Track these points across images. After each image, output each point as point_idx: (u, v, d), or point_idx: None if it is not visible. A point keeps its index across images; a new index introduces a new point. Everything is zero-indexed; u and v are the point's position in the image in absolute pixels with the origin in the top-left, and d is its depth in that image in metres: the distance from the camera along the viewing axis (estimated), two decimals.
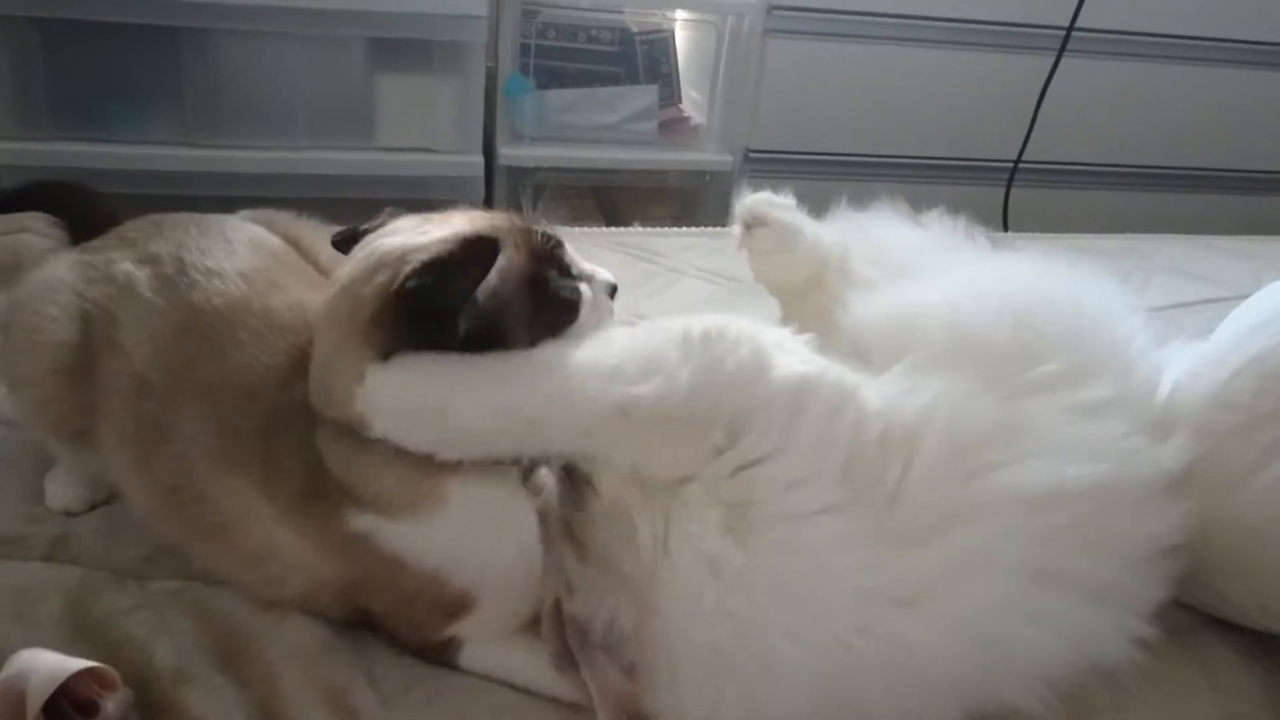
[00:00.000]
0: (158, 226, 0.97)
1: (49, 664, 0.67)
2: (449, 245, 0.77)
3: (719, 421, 0.75)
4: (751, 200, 1.14)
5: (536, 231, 0.82)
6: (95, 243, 0.97)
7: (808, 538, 0.74)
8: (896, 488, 0.78)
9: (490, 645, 0.84)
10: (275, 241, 0.99)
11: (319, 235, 1.03)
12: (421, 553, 0.78)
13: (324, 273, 0.98)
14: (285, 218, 1.06)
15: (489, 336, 0.75)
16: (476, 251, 0.76)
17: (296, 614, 0.87)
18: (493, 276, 0.74)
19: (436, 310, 0.74)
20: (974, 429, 0.81)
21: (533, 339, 0.78)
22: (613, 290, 0.87)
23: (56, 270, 0.95)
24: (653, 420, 0.75)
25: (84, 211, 1.09)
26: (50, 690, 0.66)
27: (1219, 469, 0.92)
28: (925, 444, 0.80)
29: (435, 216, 0.83)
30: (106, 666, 0.72)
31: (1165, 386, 1.01)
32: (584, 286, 0.84)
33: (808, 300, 1.11)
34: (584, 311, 0.82)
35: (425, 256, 0.76)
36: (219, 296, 0.88)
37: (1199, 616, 0.97)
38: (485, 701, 0.82)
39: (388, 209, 0.88)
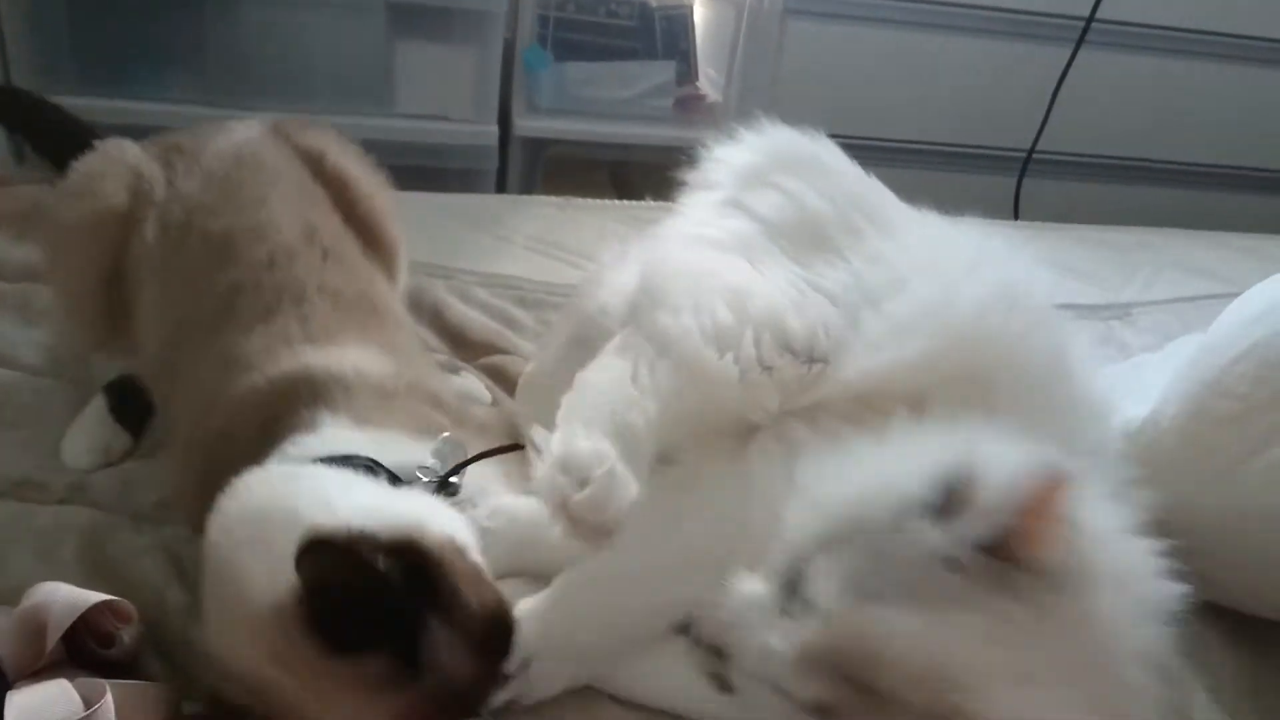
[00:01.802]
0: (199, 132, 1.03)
1: (68, 596, 0.69)
2: None
3: None
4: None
5: None
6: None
7: None
8: None
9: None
10: (271, 155, 1.01)
11: (347, 155, 1.05)
12: None
13: (343, 188, 1.00)
14: (315, 134, 1.07)
15: None
16: None
17: None
18: None
19: None
20: None
21: None
22: None
23: (120, 146, 1.00)
24: None
25: (46, 125, 1.13)
26: (70, 621, 0.68)
27: (1214, 454, 0.94)
28: None
29: None
30: (123, 600, 0.74)
31: (1166, 376, 1.03)
32: None
33: None
34: None
35: None
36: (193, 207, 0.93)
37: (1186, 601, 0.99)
38: None
39: None
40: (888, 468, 0.68)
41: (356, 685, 0.62)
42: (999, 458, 0.63)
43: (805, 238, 0.90)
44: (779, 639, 0.62)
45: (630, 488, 0.69)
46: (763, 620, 0.65)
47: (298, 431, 0.77)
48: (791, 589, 0.64)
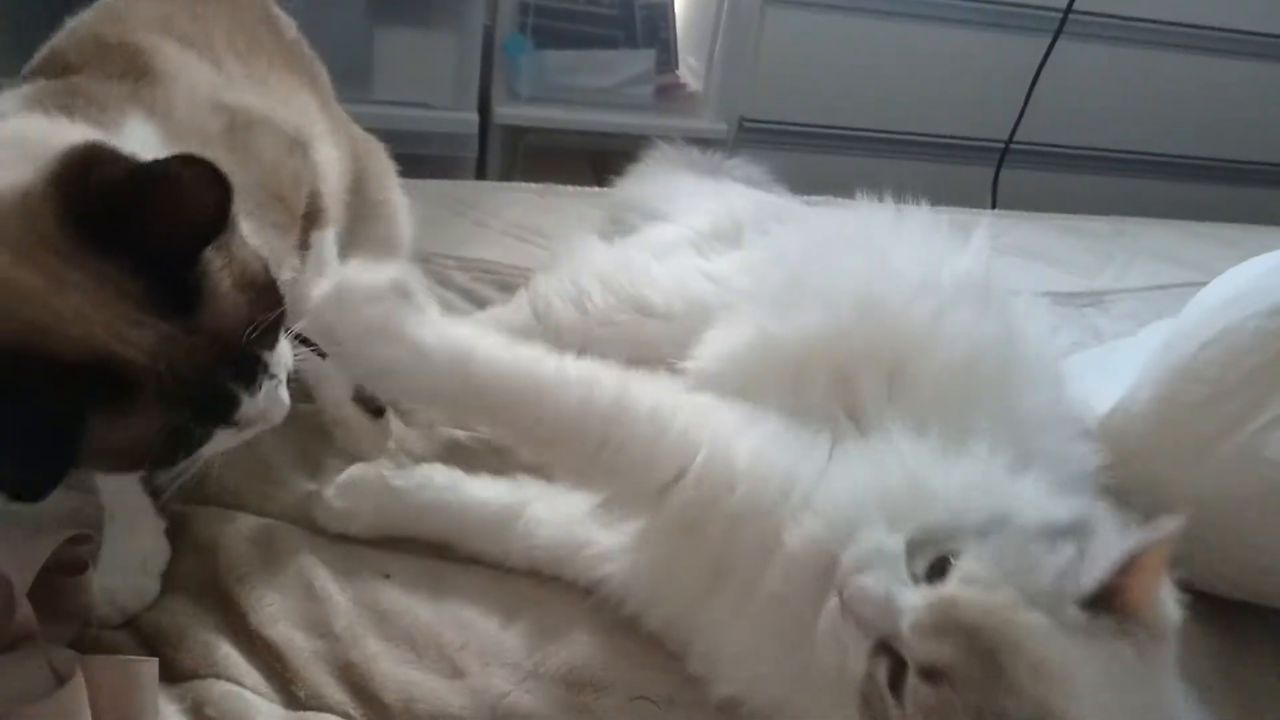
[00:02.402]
0: None
1: (24, 556, 0.68)
2: None
3: None
4: None
5: None
6: None
7: None
8: None
9: None
10: None
11: None
12: None
13: None
14: None
15: None
16: None
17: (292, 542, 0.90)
18: None
19: None
20: None
21: None
22: None
23: None
24: None
25: None
26: (33, 575, 0.67)
27: (1185, 438, 0.95)
28: None
29: None
30: (76, 531, 0.73)
31: (1138, 362, 1.04)
32: None
33: None
34: None
35: None
36: None
37: None
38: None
39: None
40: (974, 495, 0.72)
41: (113, 290, 0.57)
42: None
43: (723, 239, 1.13)
44: (912, 594, 0.65)
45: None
46: (892, 572, 0.67)
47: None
48: (924, 557, 0.67)
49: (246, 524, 0.91)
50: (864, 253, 0.95)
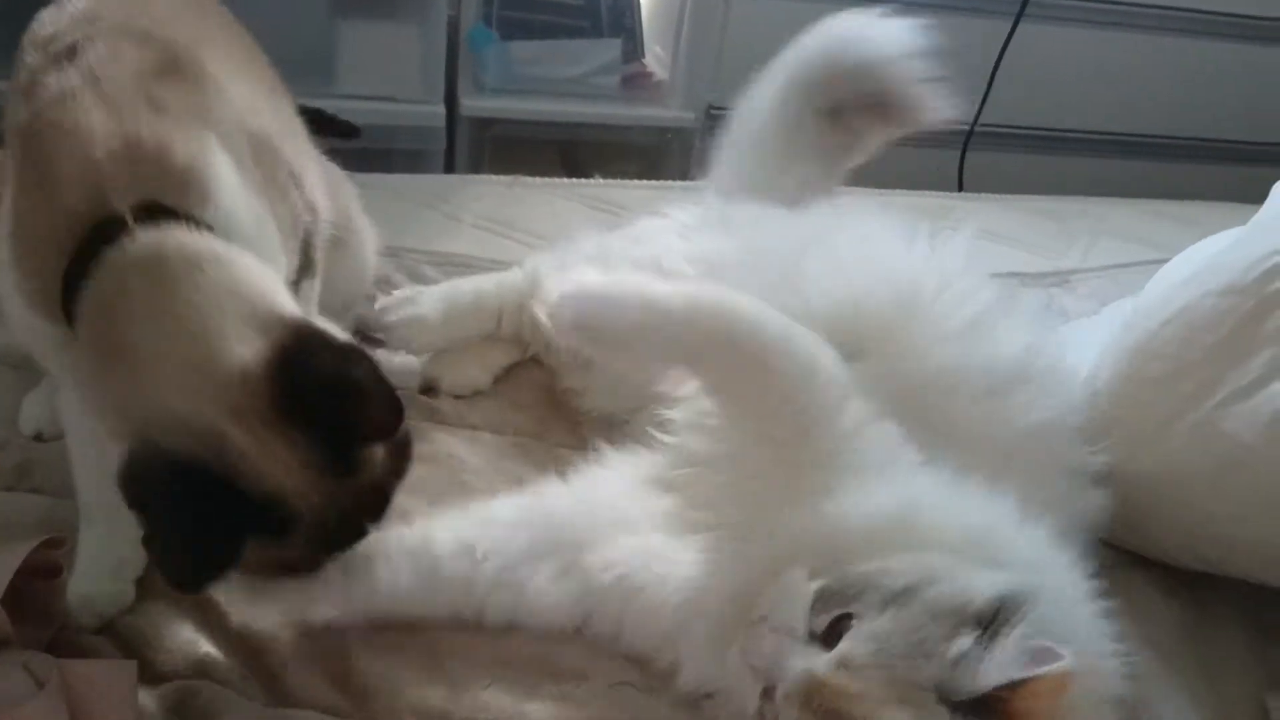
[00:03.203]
0: None
1: None
2: None
3: None
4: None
5: None
6: None
7: None
8: None
9: None
10: None
11: None
12: None
13: None
14: None
15: None
16: None
17: None
18: None
19: None
20: None
21: None
22: None
23: None
24: None
25: None
26: (6, 580, 0.67)
27: (1146, 415, 0.97)
28: None
29: None
30: (52, 535, 0.74)
31: (1101, 340, 1.06)
32: None
33: None
34: None
35: None
36: None
37: (1122, 554, 1.03)
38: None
39: None
40: (980, 547, 0.71)
41: (302, 456, 0.69)
42: (1047, 602, 0.66)
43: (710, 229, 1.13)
44: (798, 658, 0.65)
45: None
46: (793, 624, 0.68)
47: None
48: (829, 613, 0.67)
49: None
50: (850, 246, 0.96)
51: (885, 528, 0.71)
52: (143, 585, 0.85)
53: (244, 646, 0.81)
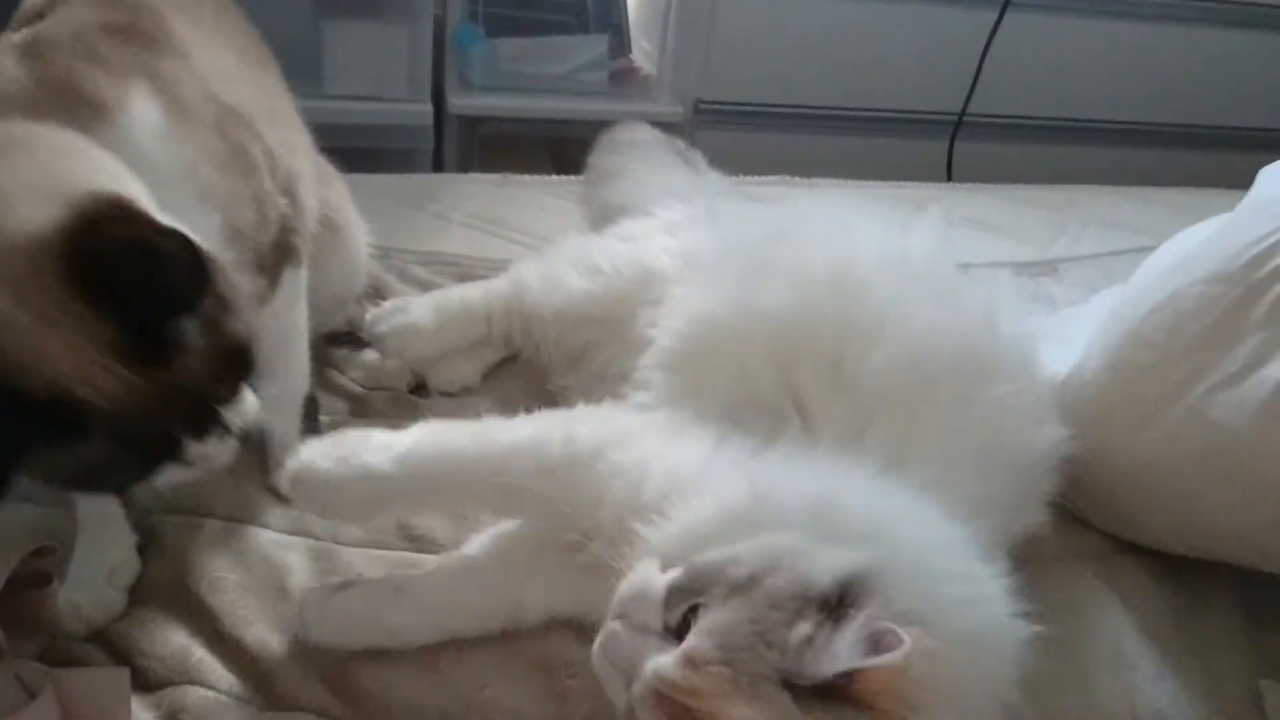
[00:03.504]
0: None
1: None
2: None
3: None
4: None
5: None
6: None
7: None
8: None
9: None
10: None
11: None
12: None
13: None
14: None
15: None
16: None
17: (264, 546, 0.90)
18: None
19: None
20: None
21: None
22: None
23: None
24: None
25: None
26: None
27: (1135, 403, 0.97)
28: None
29: None
30: (39, 544, 0.74)
31: (1089, 329, 1.06)
32: None
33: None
34: None
35: None
36: None
37: (1114, 542, 1.03)
38: None
39: None
40: (820, 520, 0.70)
41: (95, 337, 0.62)
42: (897, 580, 0.64)
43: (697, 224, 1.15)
44: (652, 655, 0.64)
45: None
46: (648, 617, 0.67)
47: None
48: (682, 605, 0.66)
49: (216, 530, 0.91)
50: (825, 234, 0.97)
51: (731, 515, 0.71)
52: (135, 593, 0.85)
53: (237, 652, 0.81)
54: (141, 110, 0.75)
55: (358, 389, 1.14)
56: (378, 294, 1.26)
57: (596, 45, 2.28)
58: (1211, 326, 0.93)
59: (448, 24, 2.15)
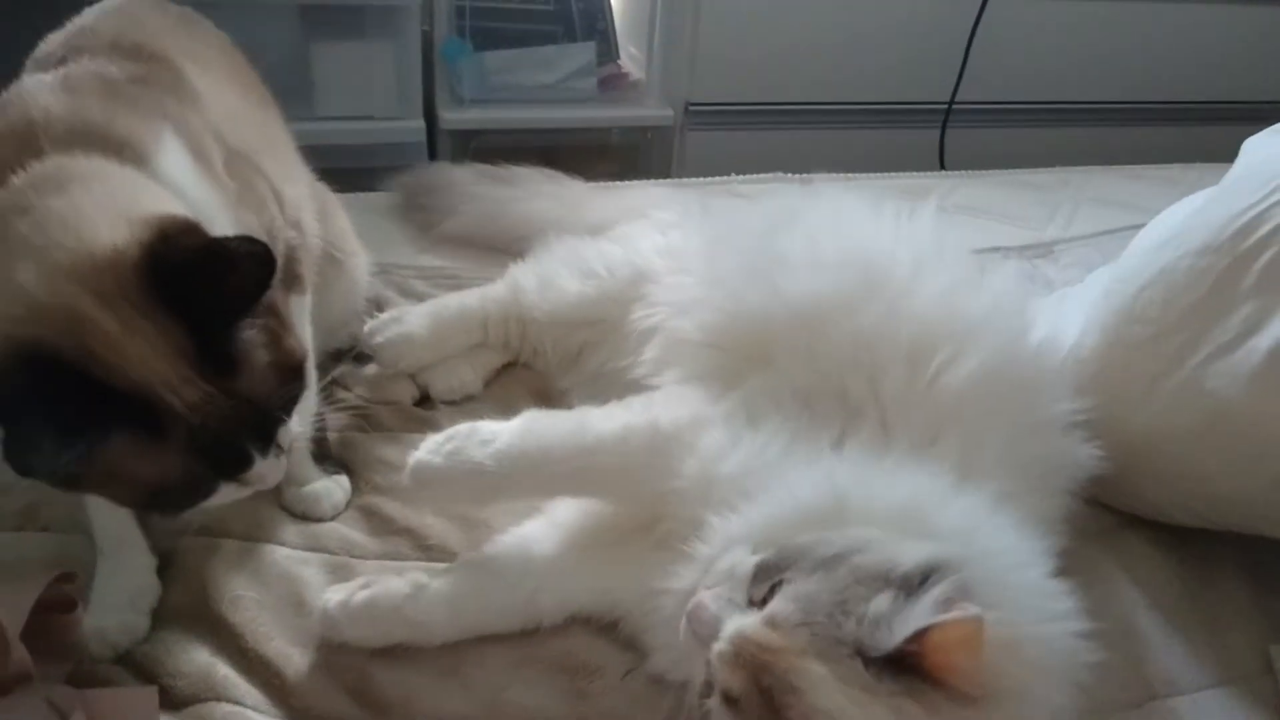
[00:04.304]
0: None
1: (13, 599, 0.69)
2: None
3: None
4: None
5: None
6: None
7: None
8: None
9: None
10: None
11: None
12: None
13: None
14: (184, 9, 1.04)
15: None
16: None
17: (280, 563, 0.91)
18: None
19: None
20: None
21: None
22: None
23: None
24: None
25: None
26: (23, 620, 0.69)
27: (1132, 378, 0.99)
28: None
29: None
30: (61, 570, 0.75)
31: (1084, 308, 1.07)
32: None
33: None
34: None
35: None
36: None
37: (1120, 517, 1.04)
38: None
39: None
40: (908, 520, 0.72)
41: (173, 343, 0.66)
42: (979, 577, 0.66)
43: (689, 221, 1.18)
44: (736, 619, 0.67)
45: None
46: (734, 593, 0.70)
47: None
48: (768, 582, 0.69)
49: (233, 549, 0.93)
50: (829, 223, 0.99)
51: (818, 512, 0.73)
52: (157, 615, 0.86)
53: (260, 666, 0.82)
54: (173, 151, 0.80)
55: (363, 404, 1.15)
56: (377, 307, 1.27)
57: (584, 53, 2.29)
58: (1203, 298, 0.94)
59: (435, 40, 2.17)
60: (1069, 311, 1.13)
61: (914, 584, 0.65)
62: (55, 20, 0.93)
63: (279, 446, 0.74)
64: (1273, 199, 0.92)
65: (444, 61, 2.19)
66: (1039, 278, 1.51)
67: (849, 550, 0.68)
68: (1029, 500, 0.82)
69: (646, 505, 0.85)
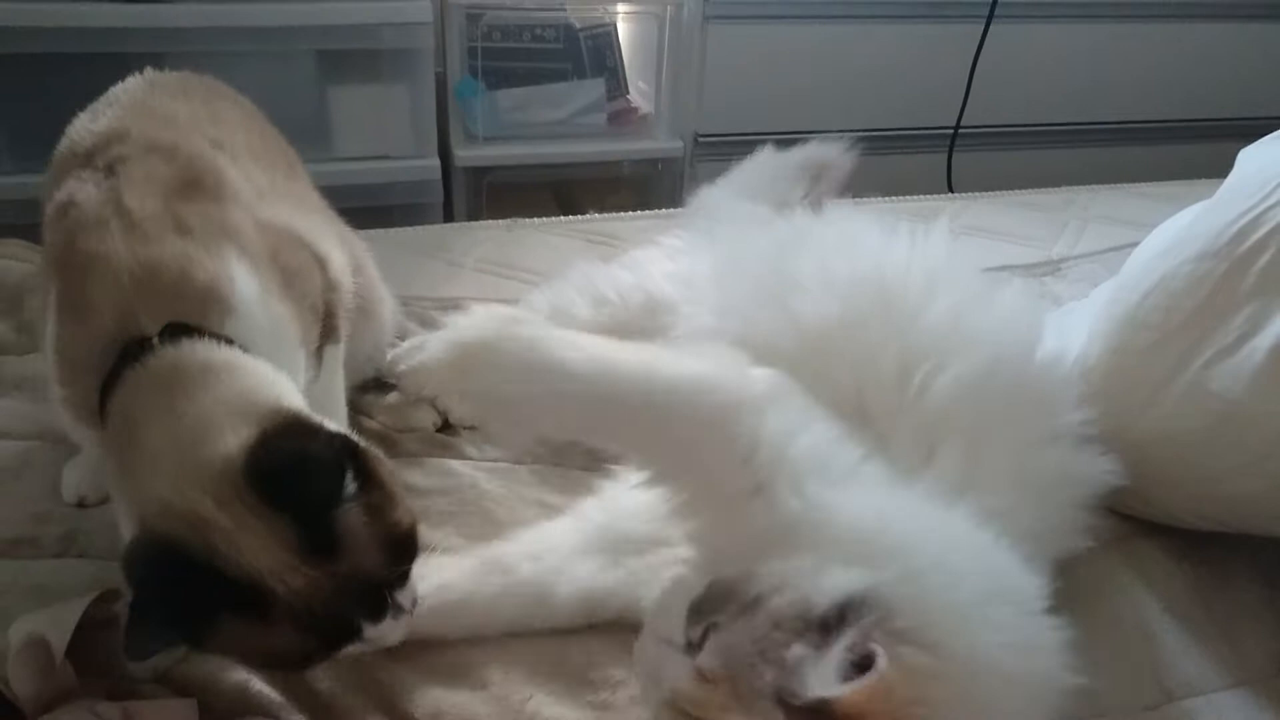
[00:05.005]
0: None
1: (57, 618, 0.72)
2: None
3: None
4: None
5: None
6: None
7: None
8: None
9: None
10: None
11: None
12: None
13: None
14: (206, 84, 1.09)
15: None
16: None
17: None
18: None
19: None
20: None
21: None
22: None
23: None
24: None
25: None
26: (69, 635, 0.72)
27: (1138, 384, 1.00)
28: None
29: None
30: (106, 589, 0.78)
31: (1089, 317, 1.09)
32: None
33: None
34: None
35: None
36: None
37: (1133, 524, 1.05)
38: None
39: None
40: (853, 543, 0.71)
41: (279, 537, 0.71)
42: (903, 601, 0.65)
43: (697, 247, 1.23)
44: (670, 667, 0.69)
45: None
46: (674, 632, 0.71)
47: None
48: (702, 623, 0.69)
49: None
50: (838, 244, 1.00)
51: (764, 538, 0.73)
52: None
53: (293, 682, 0.84)
54: (243, 281, 0.85)
55: (389, 432, 1.18)
56: (399, 338, 1.30)
57: (594, 89, 2.34)
58: (1204, 302, 0.96)
59: (449, 80, 2.22)
60: (1074, 324, 1.15)
61: (831, 625, 0.64)
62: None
63: (398, 607, 0.77)
64: (1267, 203, 0.94)
65: (458, 100, 2.24)
66: (1048, 295, 1.53)
67: (769, 591, 0.67)
68: (1030, 514, 0.82)
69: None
